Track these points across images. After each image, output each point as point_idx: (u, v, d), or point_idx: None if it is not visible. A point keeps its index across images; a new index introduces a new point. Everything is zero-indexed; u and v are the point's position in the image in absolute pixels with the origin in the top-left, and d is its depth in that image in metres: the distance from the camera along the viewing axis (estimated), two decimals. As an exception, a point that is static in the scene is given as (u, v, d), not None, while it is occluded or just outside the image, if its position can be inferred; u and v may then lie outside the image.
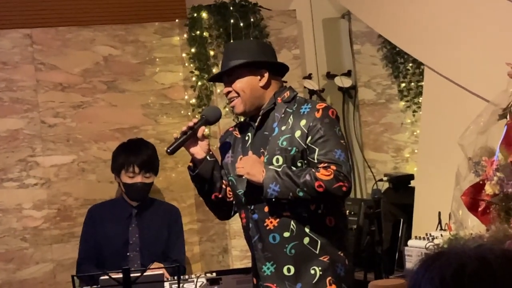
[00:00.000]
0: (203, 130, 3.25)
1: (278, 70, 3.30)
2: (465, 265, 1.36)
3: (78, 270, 4.41)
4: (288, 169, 3.08)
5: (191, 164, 3.29)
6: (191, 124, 3.24)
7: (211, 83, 4.73)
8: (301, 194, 3.04)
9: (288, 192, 3.04)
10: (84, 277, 4.08)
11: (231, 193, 3.32)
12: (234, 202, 3.34)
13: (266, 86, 3.23)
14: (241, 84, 3.20)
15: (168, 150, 3.20)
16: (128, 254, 4.43)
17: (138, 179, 4.43)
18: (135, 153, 4.45)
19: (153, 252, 4.44)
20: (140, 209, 4.51)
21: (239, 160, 3.20)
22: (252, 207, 3.19)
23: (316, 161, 3.09)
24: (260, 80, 3.21)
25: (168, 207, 4.65)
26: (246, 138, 3.27)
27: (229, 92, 3.24)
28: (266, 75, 3.22)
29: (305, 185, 3.03)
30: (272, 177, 3.05)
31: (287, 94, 3.25)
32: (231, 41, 4.71)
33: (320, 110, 3.14)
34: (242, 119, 3.58)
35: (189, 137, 3.22)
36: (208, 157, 3.24)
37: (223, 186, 3.29)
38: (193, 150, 3.24)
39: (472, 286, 1.34)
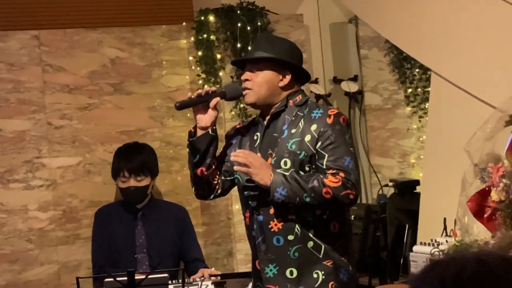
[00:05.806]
0: (217, 101, 3.23)
1: (300, 77, 3.29)
2: (464, 267, 1.39)
3: (98, 273, 4.37)
4: (296, 173, 3.07)
5: (192, 130, 3.28)
6: (208, 89, 3.25)
7: (218, 86, 4.73)
8: (308, 199, 3.03)
9: (295, 196, 3.03)
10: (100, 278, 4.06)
11: (217, 176, 3.31)
12: (220, 192, 3.33)
13: (285, 88, 3.22)
14: (261, 78, 3.19)
15: (177, 105, 3.20)
16: (136, 256, 4.43)
17: (130, 183, 4.43)
18: (126, 159, 4.46)
19: (162, 253, 4.44)
20: (145, 210, 4.52)
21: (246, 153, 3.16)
22: (258, 208, 3.19)
23: (324, 167, 3.08)
24: (281, 80, 3.21)
25: (175, 207, 4.64)
26: (255, 137, 3.26)
27: (247, 80, 3.22)
28: (288, 77, 3.21)
29: (312, 190, 3.02)
30: (280, 181, 3.04)
31: (299, 97, 3.24)
32: (238, 44, 4.71)
33: (332, 116, 3.13)
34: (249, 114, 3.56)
35: (202, 101, 3.22)
36: (210, 130, 3.23)
37: (212, 166, 3.26)
38: (199, 116, 3.23)
39: (472, 287, 1.36)
